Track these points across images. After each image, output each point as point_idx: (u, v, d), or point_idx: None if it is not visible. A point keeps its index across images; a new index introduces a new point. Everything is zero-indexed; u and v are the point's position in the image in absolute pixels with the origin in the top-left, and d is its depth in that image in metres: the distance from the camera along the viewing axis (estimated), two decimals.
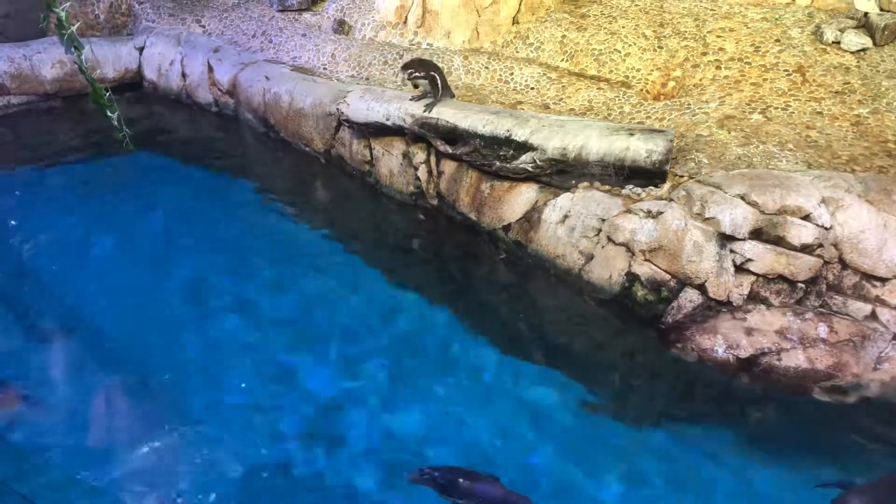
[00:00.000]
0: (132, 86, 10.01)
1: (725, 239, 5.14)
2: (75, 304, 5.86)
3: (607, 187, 5.91)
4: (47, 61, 9.36)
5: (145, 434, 4.69)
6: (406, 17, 8.68)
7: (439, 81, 6.71)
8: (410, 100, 6.80)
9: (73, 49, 3.00)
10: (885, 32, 6.71)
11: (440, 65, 7.24)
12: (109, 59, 9.77)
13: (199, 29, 10.15)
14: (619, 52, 7.54)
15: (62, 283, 6.11)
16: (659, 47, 7.39)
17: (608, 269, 5.65)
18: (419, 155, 7.04)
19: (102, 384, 5.06)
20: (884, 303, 4.99)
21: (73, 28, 2.93)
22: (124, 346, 5.43)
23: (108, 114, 3.13)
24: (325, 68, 8.75)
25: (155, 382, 5.10)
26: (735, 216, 5.07)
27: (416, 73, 6.65)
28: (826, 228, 5.00)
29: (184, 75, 9.65)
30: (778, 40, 7.03)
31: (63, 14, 2.87)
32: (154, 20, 10.40)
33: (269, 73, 8.62)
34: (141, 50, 10.02)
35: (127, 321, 5.69)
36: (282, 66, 8.86)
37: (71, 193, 7.64)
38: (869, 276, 5.01)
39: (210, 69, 9.34)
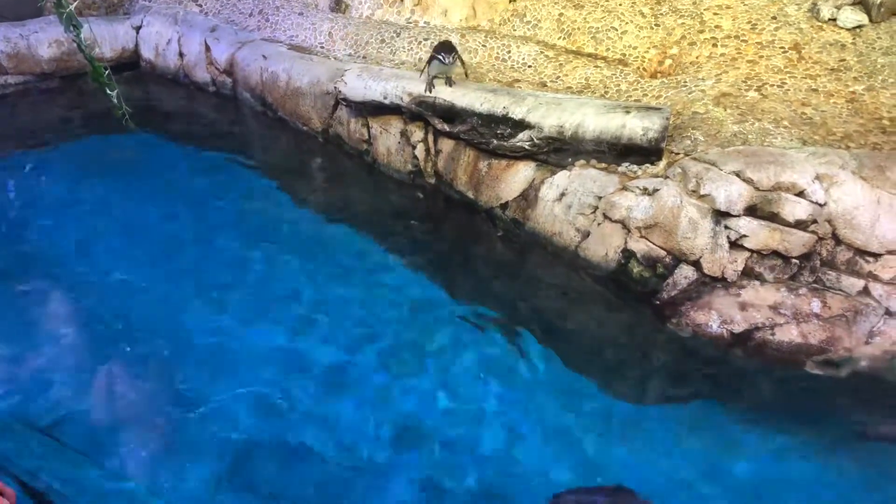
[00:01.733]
0: (129, 65, 9.99)
1: (720, 215, 5.18)
2: (75, 283, 5.90)
3: (604, 165, 5.94)
4: (44, 40, 9.34)
5: (147, 413, 4.75)
6: None
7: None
8: (429, 91, 6.65)
9: (71, 28, 3.02)
10: (882, 9, 6.70)
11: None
12: (106, 38, 9.74)
13: (195, 8, 10.12)
14: (616, 29, 7.54)
15: (61, 262, 6.14)
16: (656, 25, 7.39)
17: (604, 246, 5.70)
18: (417, 133, 7.06)
19: (105, 363, 5.11)
20: (876, 278, 5.04)
21: (72, 7, 2.95)
22: (125, 324, 5.47)
23: (108, 92, 3.15)
24: (322, 47, 8.74)
25: (156, 362, 5.15)
26: (730, 193, 5.11)
27: (451, 55, 6.51)
28: (820, 205, 5.04)
29: (181, 55, 9.64)
30: (774, 17, 7.03)
31: None
32: None
33: (267, 52, 8.61)
34: (138, 29, 9.99)
35: (127, 299, 5.73)
36: (279, 44, 8.85)
37: (69, 173, 7.65)
38: (862, 252, 5.06)
39: (207, 48, 9.33)
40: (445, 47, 6.56)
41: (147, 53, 9.98)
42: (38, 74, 9.47)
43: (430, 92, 6.61)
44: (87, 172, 7.67)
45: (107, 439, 4.50)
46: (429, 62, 6.65)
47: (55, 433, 4.51)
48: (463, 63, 6.78)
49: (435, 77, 6.66)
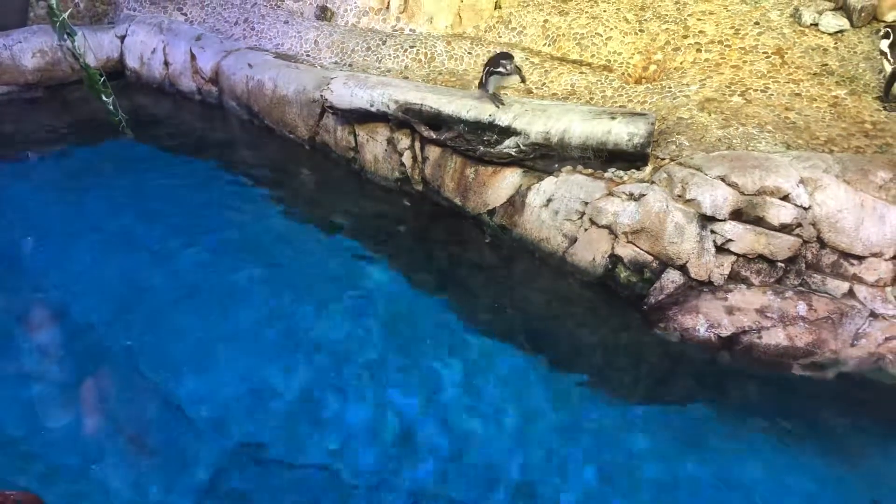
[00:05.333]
0: (114, 75, 9.89)
1: (706, 220, 5.22)
2: (62, 292, 5.86)
3: (590, 171, 5.97)
4: (28, 50, 9.28)
5: (133, 423, 4.73)
6: (388, 3, 8.69)
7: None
8: (499, 107, 6.29)
9: (65, 36, 3.01)
10: (863, 14, 6.79)
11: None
12: (91, 47, 9.68)
13: (180, 17, 10.10)
14: (601, 35, 7.59)
15: (48, 271, 6.11)
16: (640, 31, 7.44)
17: (591, 252, 5.73)
18: (403, 141, 7.07)
19: (89, 371, 5.09)
20: (861, 280, 5.09)
21: (65, 15, 2.94)
22: (112, 333, 5.44)
23: (104, 99, 3.15)
24: (307, 55, 8.74)
25: (142, 370, 5.13)
26: (715, 197, 5.15)
27: (511, 63, 6.16)
28: (804, 208, 5.09)
29: (166, 64, 9.62)
30: (757, 23, 7.10)
31: (54, 1, 2.88)
32: (135, 8, 10.34)
33: (252, 61, 8.61)
34: (122, 38, 9.95)
35: (115, 309, 5.70)
36: (264, 53, 8.85)
37: (54, 183, 7.60)
38: (846, 255, 5.11)
39: (193, 57, 9.31)
40: (504, 56, 6.22)
41: (132, 63, 9.94)
42: (23, 85, 9.41)
43: (500, 107, 6.29)
44: (71, 182, 7.61)
45: (93, 451, 4.47)
46: (487, 77, 6.33)
47: (40, 446, 4.49)
48: (521, 73, 6.34)
49: (495, 92, 6.38)
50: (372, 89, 7.04)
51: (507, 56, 6.23)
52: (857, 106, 6.05)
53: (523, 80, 6.55)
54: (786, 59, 6.67)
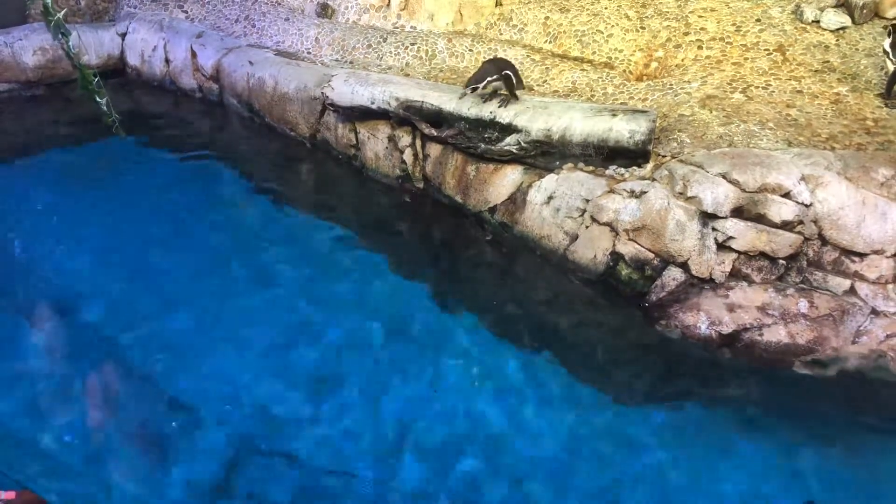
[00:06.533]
0: (115, 72, 9.93)
1: (707, 217, 5.22)
2: (64, 291, 5.86)
3: (591, 168, 5.97)
4: (29, 48, 9.28)
5: (136, 422, 4.74)
6: (389, 0, 8.68)
7: (514, 79, 6.32)
8: (484, 102, 6.35)
9: (60, 35, 3.00)
10: (864, 11, 6.78)
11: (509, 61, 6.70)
12: (92, 45, 9.68)
13: (181, 14, 10.09)
14: (602, 33, 7.58)
15: (50, 270, 6.11)
16: (641, 28, 7.43)
17: (593, 249, 5.72)
18: (404, 138, 7.07)
19: (93, 368, 5.09)
20: (862, 278, 5.09)
21: (60, 14, 2.93)
22: (115, 331, 5.44)
23: (97, 99, 3.14)
24: (308, 52, 8.74)
25: (145, 368, 5.13)
26: (717, 195, 5.15)
27: (479, 85, 6.22)
28: (806, 205, 5.08)
29: (167, 61, 9.61)
30: (758, 20, 7.09)
31: (49, 0, 2.87)
32: (136, 6, 10.32)
33: (253, 58, 8.61)
34: (123, 36, 9.94)
35: (118, 305, 5.70)
36: (265, 50, 8.85)
37: (56, 181, 7.60)
38: (848, 252, 5.11)
39: (193, 55, 9.30)
40: (481, 75, 6.26)
41: (133, 60, 9.93)
42: (24, 82, 9.40)
43: (486, 101, 6.35)
44: (73, 180, 7.62)
45: (95, 449, 4.47)
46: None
47: (44, 444, 4.49)
48: (508, 86, 6.29)
49: (495, 90, 6.39)
50: (373, 87, 7.03)
51: (481, 77, 6.24)
52: (858, 103, 6.05)
53: (513, 94, 6.40)
54: (787, 56, 6.66)
